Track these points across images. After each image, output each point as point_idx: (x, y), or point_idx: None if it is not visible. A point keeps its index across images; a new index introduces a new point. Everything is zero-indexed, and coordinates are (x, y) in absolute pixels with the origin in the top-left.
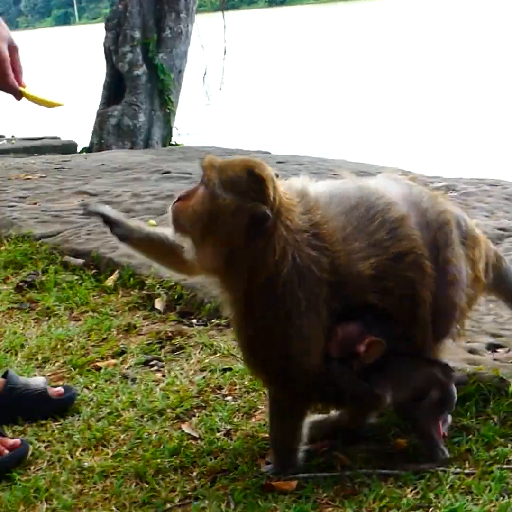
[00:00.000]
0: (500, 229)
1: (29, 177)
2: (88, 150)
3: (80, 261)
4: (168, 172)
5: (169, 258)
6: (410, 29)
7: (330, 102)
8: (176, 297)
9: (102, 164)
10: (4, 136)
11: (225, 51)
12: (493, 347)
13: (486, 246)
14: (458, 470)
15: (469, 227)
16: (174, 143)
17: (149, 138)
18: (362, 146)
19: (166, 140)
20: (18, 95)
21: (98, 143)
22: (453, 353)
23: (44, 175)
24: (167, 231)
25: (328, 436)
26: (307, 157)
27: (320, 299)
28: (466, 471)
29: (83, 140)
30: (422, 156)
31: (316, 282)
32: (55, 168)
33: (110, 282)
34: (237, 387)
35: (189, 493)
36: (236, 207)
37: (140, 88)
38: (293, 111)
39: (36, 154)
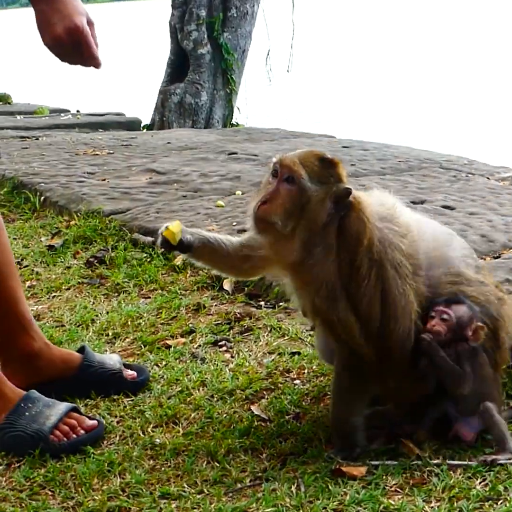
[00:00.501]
0: None
1: (97, 153)
2: (149, 127)
3: (149, 239)
4: (235, 153)
5: (229, 262)
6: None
7: (395, 87)
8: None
9: (169, 143)
10: (69, 111)
11: (293, 33)
12: None
13: None
14: None
15: None
16: (235, 123)
17: (210, 117)
18: (427, 133)
19: (228, 120)
20: (100, 65)
21: (160, 120)
22: None
23: (111, 152)
24: (221, 235)
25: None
26: (372, 142)
27: (408, 269)
28: None
29: (144, 116)
30: (488, 145)
31: (401, 253)
32: (122, 145)
33: (179, 261)
34: (306, 371)
35: (260, 474)
36: (325, 195)
37: (203, 67)
38: (356, 96)
39: (100, 130)
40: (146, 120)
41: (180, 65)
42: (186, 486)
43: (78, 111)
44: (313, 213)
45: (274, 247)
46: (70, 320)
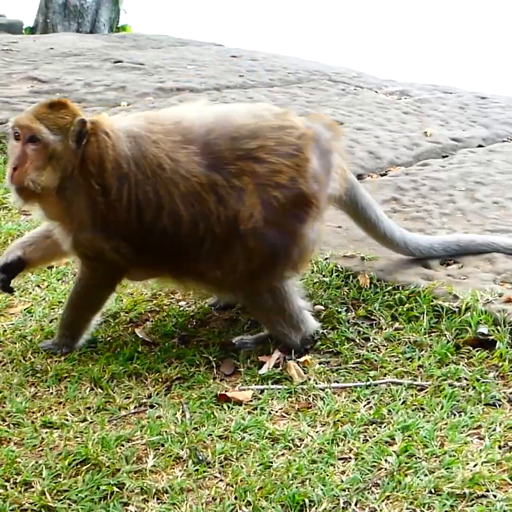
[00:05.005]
0: (454, 139)
1: None
2: (32, 29)
3: None
4: (121, 61)
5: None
6: None
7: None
8: None
9: (52, 48)
10: None
11: None
12: (445, 262)
13: None
14: (410, 381)
15: None
16: (121, 26)
17: (96, 19)
18: (316, 46)
19: (114, 22)
20: None
21: (43, 22)
22: (408, 268)
23: None
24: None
25: (281, 349)
26: (261, 52)
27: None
28: (417, 383)
29: (27, 18)
30: (376, 58)
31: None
32: (3, 50)
33: None
34: (191, 292)
35: (144, 400)
36: (67, 139)
37: None
38: (247, 3)
39: None
40: (28, 21)
41: None
42: (68, 414)
43: None
44: (63, 161)
45: (45, 208)
46: None
